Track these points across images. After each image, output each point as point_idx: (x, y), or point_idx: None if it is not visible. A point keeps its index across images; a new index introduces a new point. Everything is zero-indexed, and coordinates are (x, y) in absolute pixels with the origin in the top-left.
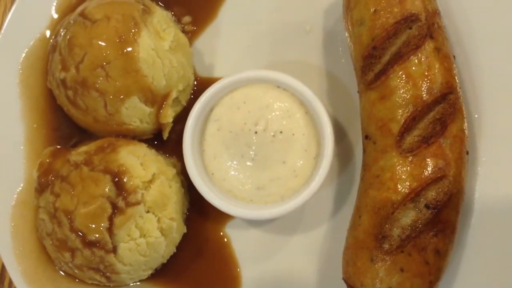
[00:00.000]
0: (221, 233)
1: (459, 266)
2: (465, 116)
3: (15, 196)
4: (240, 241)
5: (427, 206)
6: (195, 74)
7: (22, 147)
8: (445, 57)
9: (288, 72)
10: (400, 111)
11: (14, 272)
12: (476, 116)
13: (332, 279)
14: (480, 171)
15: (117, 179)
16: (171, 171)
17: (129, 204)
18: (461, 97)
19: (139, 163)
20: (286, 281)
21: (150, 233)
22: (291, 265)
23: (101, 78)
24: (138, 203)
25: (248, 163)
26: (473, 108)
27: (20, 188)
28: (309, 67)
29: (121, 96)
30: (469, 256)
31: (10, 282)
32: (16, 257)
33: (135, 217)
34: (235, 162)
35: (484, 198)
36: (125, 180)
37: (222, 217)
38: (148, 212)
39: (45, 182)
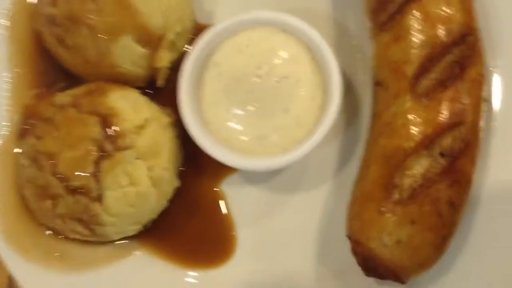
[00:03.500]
0: (217, 191)
1: (472, 224)
2: (484, 61)
3: None
4: (237, 199)
5: (441, 154)
6: (194, 20)
7: (6, 94)
8: None
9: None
10: (415, 52)
11: None
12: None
13: (334, 239)
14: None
15: (105, 121)
16: (165, 119)
17: (118, 149)
18: (481, 41)
19: (130, 106)
20: (284, 241)
21: (139, 181)
22: (290, 225)
23: (92, 13)
24: (127, 148)
25: (249, 111)
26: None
27: (3, 137)
28: (315, 15)
29: (113, 34)
30: (483, 213)
31: None
32: None
33: (124, 163)
34: (234, 110)
35: (500, 156)
36: (114, 122)
37: (218, 173)
38: (138, 159)
39: (27, 125)
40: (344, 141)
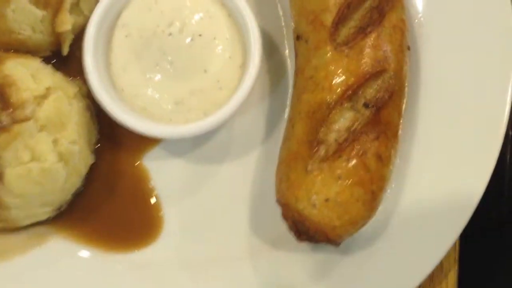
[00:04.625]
0: (139, 166)
1: (404, 180)
2: (405, 6)
3: None
4: (161, 174)
5: (365, 105)
6: None
7: None
8: None
9: None
10: None
11: None
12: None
13: (267, 207)
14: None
15: (0, 91)
16: (72, 89)
17: (15, 120)
18: None
19: (30, 75)
20: (214, 215)
21: (44, 156)
22: (220, 197)
23: None
24: (27, 119)
25: (164, 74)
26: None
27: None
28: None
29: None
30: (415, 169)
31: None
32: None
33: (24, 136)
34: (148, 74)
35: (429, 101)
36: (11, 92)
37: (138, 146)
38: (41, 131)
39: None
40: (272, 103)
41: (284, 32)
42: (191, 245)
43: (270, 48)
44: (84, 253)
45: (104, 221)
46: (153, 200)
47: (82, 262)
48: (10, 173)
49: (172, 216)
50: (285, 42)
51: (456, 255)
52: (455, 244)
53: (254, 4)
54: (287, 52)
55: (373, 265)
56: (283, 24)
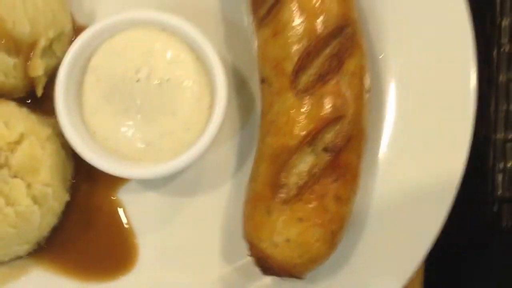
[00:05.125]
0: (114, 200)
1: (367, 216)
2: (364, 53)
3: None
4: (136, 207)
5: (325, 150)
6: (74, 22)
7: None
8: None
9: (180, 15)
10: (294, 47)
11: None
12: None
13: (238, 239)
14: (387, 115)
15: None
16: (45, 131)
17: None
18: (360, 32)
19: (3, 122)
20: (189, 246)
21: (19, 201)
22: (194, 229)
23: None
24: (1, 166)
25: (134, 117)
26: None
27: None
28: (204, 10)
29: None
30: (376, 205)
31: None
32: None
33: None
34: (118, 117)
35: (392, 142)
36: None
37: (114, 181)
38: (15, 177)
39: None
40: (241, 140)
41: (256, 64)
42: (166, 275)
43: (241, 82)
44: (65, 283)
45: (81, 253)
46: (128, 232)
47: None
48: None
49: (147, 247)
50: (256, 75)
51: (420, 278)
52: (419, 269)
53: (225, 37)
54: (258, 85)
55: None
56: (255, 54)
